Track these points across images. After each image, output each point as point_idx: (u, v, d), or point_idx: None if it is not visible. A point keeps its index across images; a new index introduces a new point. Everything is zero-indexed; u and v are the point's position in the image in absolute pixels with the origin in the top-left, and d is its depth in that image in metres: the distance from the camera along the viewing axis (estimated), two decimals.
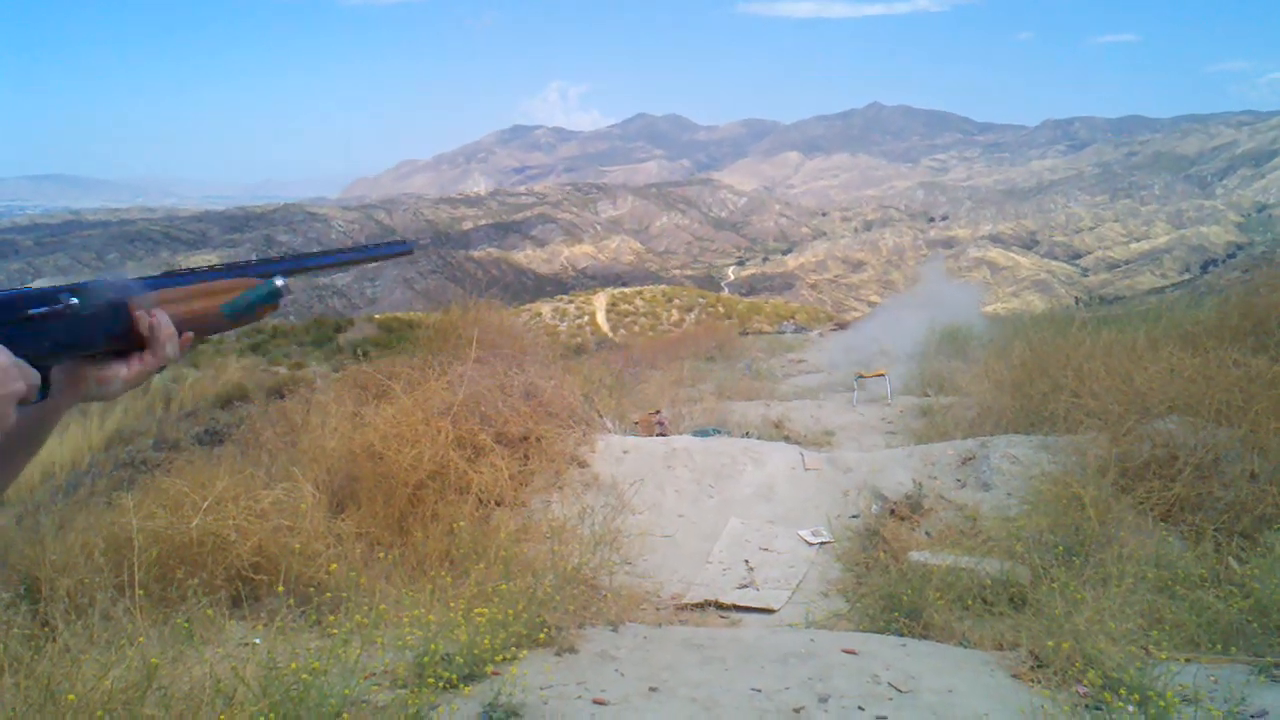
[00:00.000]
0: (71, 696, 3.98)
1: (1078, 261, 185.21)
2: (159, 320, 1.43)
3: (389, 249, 1.85)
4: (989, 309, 23.69)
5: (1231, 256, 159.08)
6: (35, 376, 1.29)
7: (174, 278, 1.51)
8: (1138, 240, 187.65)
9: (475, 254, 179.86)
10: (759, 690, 5.13)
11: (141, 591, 5.78)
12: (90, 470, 14.91)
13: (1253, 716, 4.64)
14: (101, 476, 13.98)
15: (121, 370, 1.42)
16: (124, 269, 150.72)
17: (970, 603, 6.52)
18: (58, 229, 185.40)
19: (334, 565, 6.48)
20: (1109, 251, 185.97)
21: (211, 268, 1.55)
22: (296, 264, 1.67)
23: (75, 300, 1.34)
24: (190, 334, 1.48)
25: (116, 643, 4.98)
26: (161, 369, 1.47)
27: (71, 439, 16.45)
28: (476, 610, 5.60)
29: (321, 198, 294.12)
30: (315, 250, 1.72)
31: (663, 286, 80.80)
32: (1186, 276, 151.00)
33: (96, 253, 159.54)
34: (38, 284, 1.43)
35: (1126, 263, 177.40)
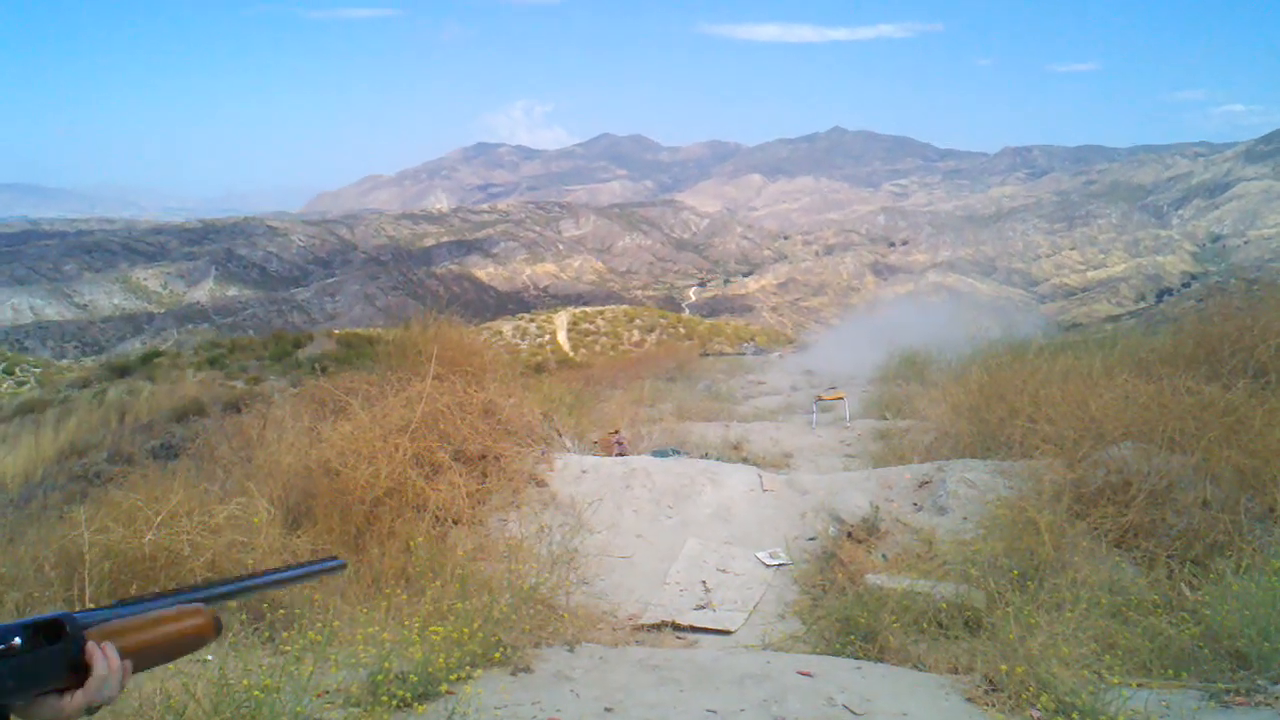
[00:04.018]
0: None
1: (1035, 288, 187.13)
2: (111, 656, 1.38)
3: (323, 564, 1.84)
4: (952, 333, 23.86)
5: (1186, 286, 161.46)
6: None
7: (126, 605, 1.46)
8: (1094, 268, 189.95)
9: (437, 270, 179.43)
10: (714, 712, 5.13)
11: (92, 605, 5.70)
12: (43, 482, 14.74)
13: None
14: (54, 489, 13.82)
15: (59, 704, 1.34)
16: (81, 278, 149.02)
17: (925, 626, 6.54)
18: (14, 238, 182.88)
19: None
20: (1066, 279, 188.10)
21: (159, 594, 1.51)
22: (239, 587, 1.65)
23: (18, 641, 1.28)
24: (130, 663, 1.42)
25: None
26: (96, 707, 1.38)
27: (24, 450, 16.23)
28: (432, 629, 5.57)
29: (283, 211, 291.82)
30: (249, 573, 1.71)
31: (624, 307, 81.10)
32: (1142, 305, 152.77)
33: (54, 263, 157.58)
34: None
35: (1083, 290, 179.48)
